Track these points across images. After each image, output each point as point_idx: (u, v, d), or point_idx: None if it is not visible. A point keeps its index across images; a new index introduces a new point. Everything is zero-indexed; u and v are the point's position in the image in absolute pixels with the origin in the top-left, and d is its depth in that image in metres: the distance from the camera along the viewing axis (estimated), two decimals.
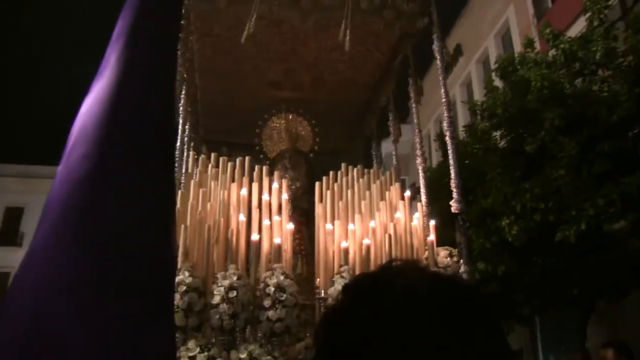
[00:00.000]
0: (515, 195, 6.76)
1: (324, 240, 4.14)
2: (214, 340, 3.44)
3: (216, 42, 5.17)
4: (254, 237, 3.90)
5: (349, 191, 4.55)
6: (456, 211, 4.02)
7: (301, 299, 3.68)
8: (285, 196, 4.36)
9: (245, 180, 4.35)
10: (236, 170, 4.40)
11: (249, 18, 4.28)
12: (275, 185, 4.34)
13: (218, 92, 5.86)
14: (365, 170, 4.97)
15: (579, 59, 6.87)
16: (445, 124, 4.45)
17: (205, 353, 3.26)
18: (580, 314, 8.21)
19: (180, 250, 3.58)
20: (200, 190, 4.13)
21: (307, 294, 4.03)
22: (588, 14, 7.07)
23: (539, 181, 6.59)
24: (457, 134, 6.36)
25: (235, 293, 3.41)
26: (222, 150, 5.35)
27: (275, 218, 4.08)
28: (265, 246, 3.89)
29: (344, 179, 4.71)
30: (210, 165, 4.53)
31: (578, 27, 8.83)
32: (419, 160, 4.86)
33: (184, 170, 4.65)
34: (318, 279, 4.03)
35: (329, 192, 4.45)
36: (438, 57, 4.56)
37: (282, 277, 3.56)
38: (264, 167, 4.54)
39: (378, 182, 4.76)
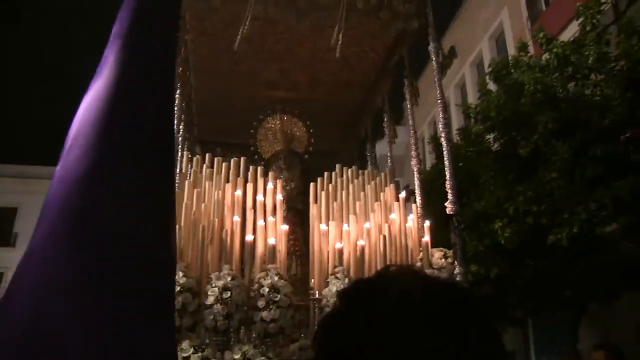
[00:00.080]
0: (509, 198, 6.79)
1: (318, 241, 4.14)
2: (207, 341, 3.43)
3: (212, 42, 5.15)
4: (249, 237, 3.90)
5: (343, 192, 4.55)
6: (451, 212, 4.03)
7: (295, 299, 3.68)
8: (279, 197, 4.35)
9: (240, 180, 4.34)
10: (231, 171, 4.40)
11: (243, 21, 4.27)
12: (269, 185, 4.33)
13: (213, 91, 5.84)
14: (360, 171, 4.97)
15: (572, 63, 6.91)
16: (440, 125, 4.47)
17: (199, 353, 3.25)
18: (572, 316, 8.26)
19: None
20: (195, 190, 4.12)
21: (301, 294, 4.03)
22: (581, 19, 7.12)
23: (532, 184, 6.62)
24: (452, 136, 6.37)
25: (229, 294, 3.40)
26: (216, 151, 5.34)
27: (270, 219, 4.07)
28: (259, 247, 3.88)
29: (339, 180, 4.71)
30: (204, 166, 4.52)
31: (571, 31, 8.89)
32: (413, 161, 4.87)
33: (178, 170, 4.64)
34: (312, 280, 4.03)
35: (323, 192, 4.45)
36: (434, 58, 4.58)
37: (276, 278, 3.55)
38: (259, 168, 4.53)
39: (373, 183, 4.76)
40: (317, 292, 3.87)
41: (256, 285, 3.56)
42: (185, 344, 3.27)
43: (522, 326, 10.30)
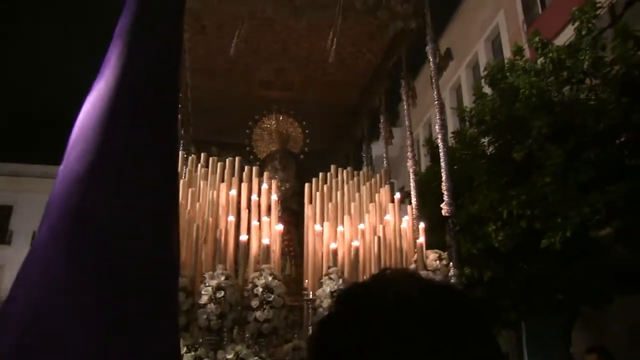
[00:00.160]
0: (502, 202, 6.80)
1: (312, 242, 4.13)
2: (201, 340, 3.43)
3: (208, 41, 5.14)
4: (243, 237, 3.89)
5: (338, 193, 4.55)
6: (447, 214, 4.03)
7: (289, 300, 3.68)
8: (274, 197, 4.34)
9: (235, 180, 4.33)
10: (226, 171, 4.38)
11: (239, 26, 4.26)
12: (264, 186, 4.33)
13: (209, 91, 5.83)
14: (355, 172, 4.97)
15: (567, 67, 6.94)
16: (437, 127, 4.45)
17: (193, 353, 3.24)
18: (565, 319, 8.28)
19: None
20: (190, 189, 4.10)
21: (295, 295, 4.02)
22: (576, 24, 7.15)
23: (525, 188, 6.64)
24: (447, 138, 6.39)
25: (223, 293, 3.39)
26: (211, 150, 5.33)
27: (265, 219, 4.06)
28: (254, 247, 3.88)
29: (334, 181, 4.70)
30: (199, 165, 4.51)
31: (567, 35, 8.94)
32: (409, 162, 4.87)
33: None
34: (306, 280, 4.02)
35: (318, 193, 4.45)
36: (431, 60, 4.57)
37: (270, 278, 3.55)
38: (254, 168, 4.52)
39: (368, 184, 4.76)
40: (310, 292, 3.86)
41: (250, 285, 3.55)
42: None
43: (515, 329, 10.33)
